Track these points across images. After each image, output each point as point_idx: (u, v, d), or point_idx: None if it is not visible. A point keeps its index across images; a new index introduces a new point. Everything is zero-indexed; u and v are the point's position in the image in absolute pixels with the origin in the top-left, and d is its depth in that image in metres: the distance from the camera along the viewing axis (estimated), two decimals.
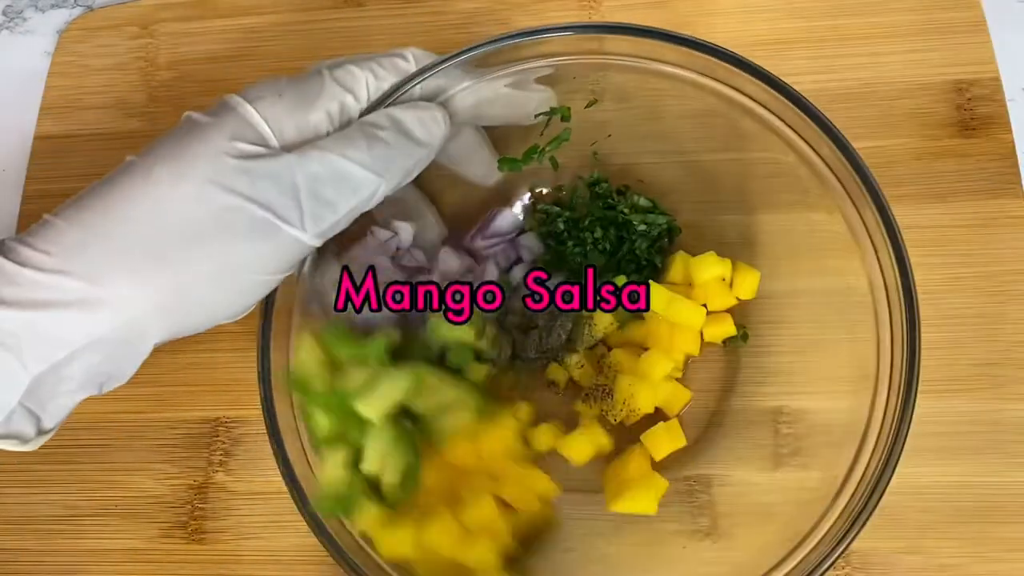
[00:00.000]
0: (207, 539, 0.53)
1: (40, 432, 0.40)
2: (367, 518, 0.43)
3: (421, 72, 0.46)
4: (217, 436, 0.55)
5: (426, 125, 0.43)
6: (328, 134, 0.42)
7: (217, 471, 0.54)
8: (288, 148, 0.40)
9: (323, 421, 0.44)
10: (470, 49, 0.46)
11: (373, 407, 0.43)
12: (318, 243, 0.42)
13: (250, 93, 0.41)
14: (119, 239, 0.38)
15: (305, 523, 0.43)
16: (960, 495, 0.49)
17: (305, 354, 0.44)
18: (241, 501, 0.54)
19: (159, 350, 0.48)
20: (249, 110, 0.40)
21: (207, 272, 0.39)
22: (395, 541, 0.43)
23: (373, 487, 0.43)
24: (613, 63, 0.48)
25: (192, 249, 0.38)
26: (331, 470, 0.43)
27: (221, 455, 0.54)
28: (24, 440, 0.40)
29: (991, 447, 0.50)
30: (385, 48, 0.60)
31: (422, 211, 0.52)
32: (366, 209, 0.43)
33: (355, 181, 0.41)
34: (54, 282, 0.37)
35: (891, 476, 0.41)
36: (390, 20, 0.61)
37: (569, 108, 0.51)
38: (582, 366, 0.50)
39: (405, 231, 0.50)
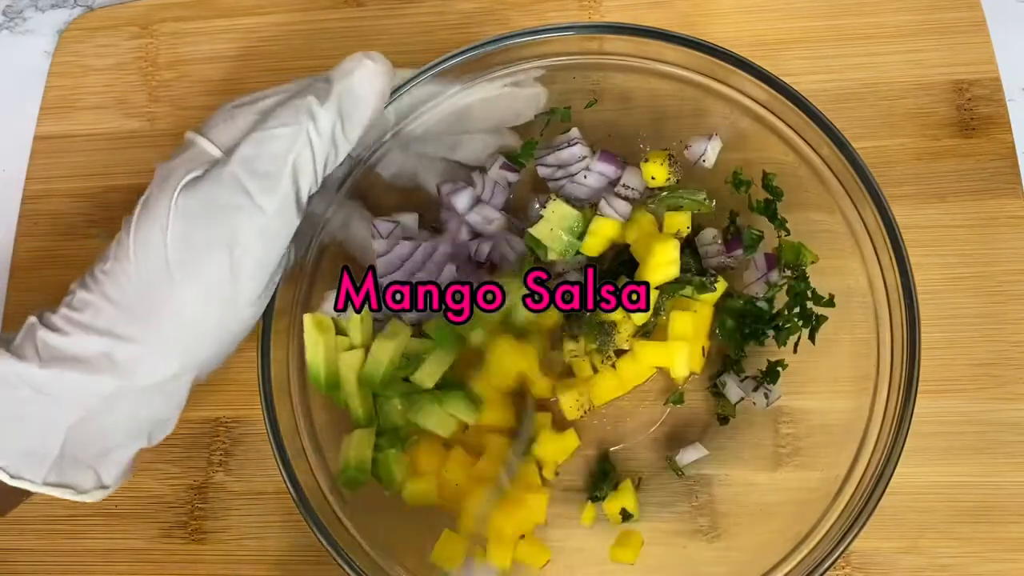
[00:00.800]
0: (207, 539, 0.53)
1: (100, 486, 0.44)
2: (400, 471, 0.47)
3: (420, 74, 0.46)
4: (217, 436, 0.55)
5: (343, 64, 0.43)
6: None
7: (217, 471, 0.54)
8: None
9: (358, 406, 0.47)
10: (470, 49, 0.46)
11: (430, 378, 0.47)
12: (289, 214, 0.42)
13: (204, 125, 0.44)
14: (121, 295, 0.41)
15: (305, 523, 0.43)
16: (960, 495, 0.49)
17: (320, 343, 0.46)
18: (241, 501, 0.54)
19: None
20: (200, 140, 0.43)
21: (194, 300, 0.41)
22: (420, 489, 0.47)
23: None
24: (613, 63, 0.48)
25: (176, 280, 0.41)
26: (357, 448, 0.46)
27: (221, 455, 0.55)
28: (80, 491, 0.43)
29: (991, 447, 0.50)
30: (384, 49, 0.60)
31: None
32: (328, 163, 0.43)
33: (282, 142, 0.41)
34: (79, 341, 0.41)
35: (891, 476, 0.41)
36: (390, 20, 0.61)
37: (569, 108, 0.51)
38: (576, 356, 0.50)
39: (408, 220, 0.50)
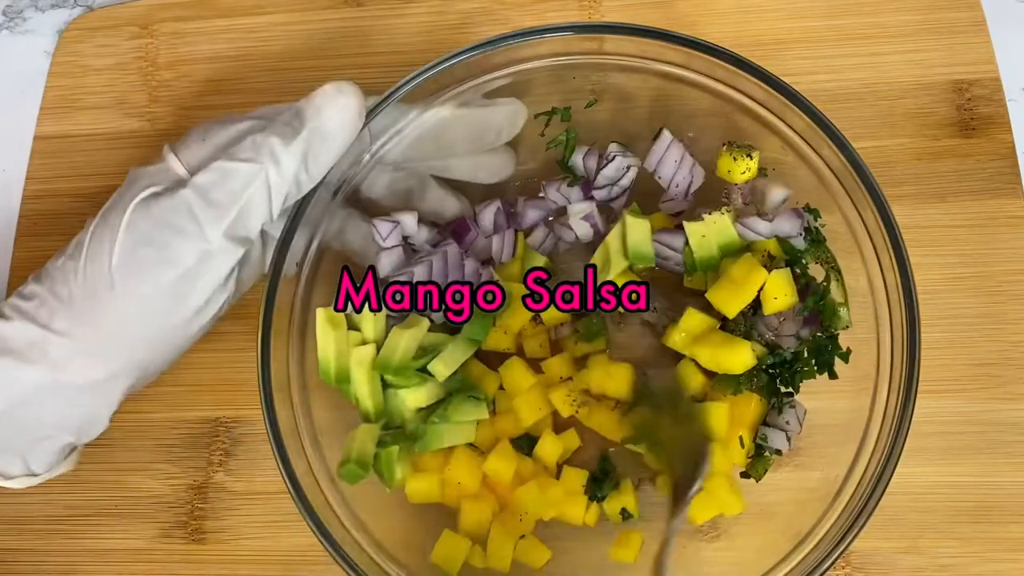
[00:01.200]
0: (207, 539, 0.53)
1: (29, 474, 0.45)
2: (401, 468, 0.47)
3: (392, 93, 0.46)
4: (217, 436, 0.55)
5: (314, 98, 0.43)
6: None
7: (217, 471, 0.54)
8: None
9: (367, 400, 0.47)
10: (470, 49, 0.46)
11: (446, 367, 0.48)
12: (233, 245, 0.43)
13: (180, 141, 0.45)
14: (66, 292, 0.43)
15: (305, 523, 0.43)
16: (960, 495, 0.49)
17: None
18: (241, 501, 0.54)
19: None
20: (170, 157, 0.44)
21: (129, 310, 0.42)
22: (422, 486, 0.48)
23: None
24: (613, 63, 0.48)
25: (116, 289, 0.42)
26: (360, 442, 0.46)
27: (221, 455, 0.55)
28: (7, 476, 0.45)
29: (991, 447, 0.50)
30: (384, 49, 0.60)
31: (436, 192, 0.51)
32: (293, 191, 0.43)
33: (240, 175, 0.42)
34: (16, 331, 0.42)
35: (891, 476, 0.41)
36: (390, 20, 0.61)
37: (569, 108, 0.51)
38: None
39: (408, 220, 0.50)
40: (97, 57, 0.63)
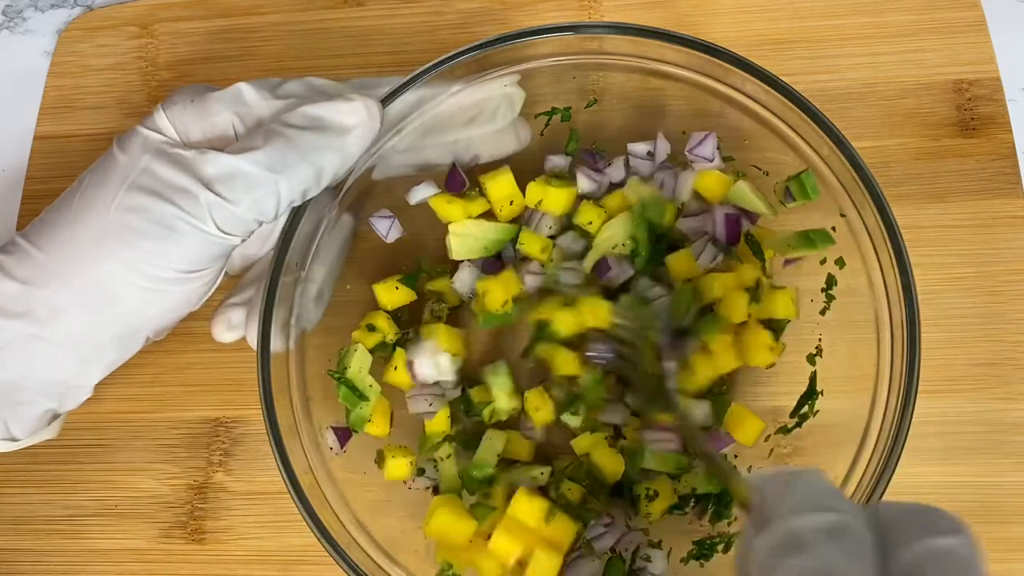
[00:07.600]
0: (207, 539, 0.53)
1: (9, 438, 0.44)
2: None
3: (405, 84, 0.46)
4: (217, 436, 0.55)
5: (342, 115, 0.43)
6: (237, 136, 0.44)
7: (217, 471, 0.54)
8: (194, 148, 0.43)
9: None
10: (469, 49, 0.46)
11: None
12: (237, 239, 0.43)
13: (168, 99, 0.44)
14: (50, 246, 0.42)
15: (305, 523, 0.43)
16: (960, 495, 0.49)
17: None
18: (241, 501, 0.54)
19: (158, 350, 0.48)
20: (161, 115, 0.44)
21: (117, 268, 0.41)
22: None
23: None
24: (613, 63, 0.48)
25: (102, 248, 0.41)
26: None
27: (221, 455, 0.55)
28: None
29: (991, 447, 0.50)
30: (384, 49, 0.60)
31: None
32: (297, 200, 0.43)
33: (248, 179, 0.41)
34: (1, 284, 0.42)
35: (891, 476, 0.41)
36: (390, 20, 0.61)
37: (569, 108, 0.51)
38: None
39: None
40: (97, 57, 0.63)
